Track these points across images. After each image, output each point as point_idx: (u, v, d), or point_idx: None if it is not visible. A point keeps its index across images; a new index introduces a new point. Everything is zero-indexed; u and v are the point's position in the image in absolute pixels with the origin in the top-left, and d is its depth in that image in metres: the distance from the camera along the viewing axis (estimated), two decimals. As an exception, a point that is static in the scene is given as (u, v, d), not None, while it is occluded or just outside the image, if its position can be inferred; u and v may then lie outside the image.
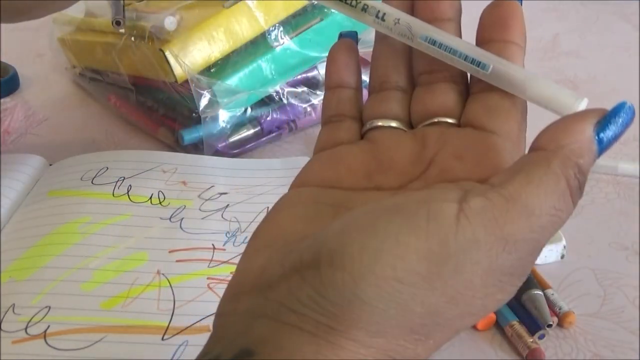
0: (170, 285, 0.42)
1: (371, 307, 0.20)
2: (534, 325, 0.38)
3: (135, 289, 0.41)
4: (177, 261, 0.43)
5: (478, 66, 0.26)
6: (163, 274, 0.42)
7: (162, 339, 0.39)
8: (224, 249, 0.45)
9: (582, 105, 0.25)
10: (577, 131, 0.22)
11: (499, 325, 0.39)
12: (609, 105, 0.23)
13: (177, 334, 0.39)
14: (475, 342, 0.38)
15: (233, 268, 0.42)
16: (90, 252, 0.44)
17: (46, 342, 0.38)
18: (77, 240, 0.44)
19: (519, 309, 0.39)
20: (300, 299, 0.21)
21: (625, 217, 0.49)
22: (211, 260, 0.44)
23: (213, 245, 0.45)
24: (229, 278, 0.40)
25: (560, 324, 0.39)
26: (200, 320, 0.40)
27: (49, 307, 0.40)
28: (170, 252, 0.44)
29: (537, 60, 0.72)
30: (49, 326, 0.39)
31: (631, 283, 0.43)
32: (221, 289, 0.40)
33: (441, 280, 0.21)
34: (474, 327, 0.39)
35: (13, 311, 0.40)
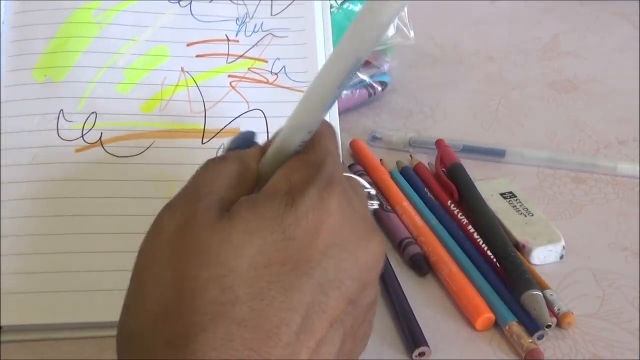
0: (197, 85, 0.44)
1: None
2: (532, 325, 0.38)
3: (166, 89, 0.43)
4: (196, 56, 0.45)
5: None
6: (187, 72, 0.44)
7: (202, 142, 0.41)
8: (238, 40, 0.46)
9: None
10: None
11: (497, 325, 0.39)
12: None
13: (214, 136, 0.41)
14: (474, 342, 0.38)
15: (250, 63, 0.45)
16: (113, 47, 0.44)
17: (104, 149, 0.40)
18: (96, 34, 0.45)
19: (518, 309, 0.39)
20: None
21: (624, 218, 0.49)
22: (228, 55, 0.45)
23: (227, 36, 0.46)
24: (248, 75, 0.44)
25: (559, 325, 0.39)
26: (230, 122, 0.42)
27: (96, 113, 0.41)
28: (188, 45, 0.45)
29: (536, 60, 0.72)
30: (102, 133, 0.41)
31: (630, 284, 0.43)
32: (243, 88, 0.44)
33: None
34: (473, 328, 0.39)
35: (64, 117, 0.41)
